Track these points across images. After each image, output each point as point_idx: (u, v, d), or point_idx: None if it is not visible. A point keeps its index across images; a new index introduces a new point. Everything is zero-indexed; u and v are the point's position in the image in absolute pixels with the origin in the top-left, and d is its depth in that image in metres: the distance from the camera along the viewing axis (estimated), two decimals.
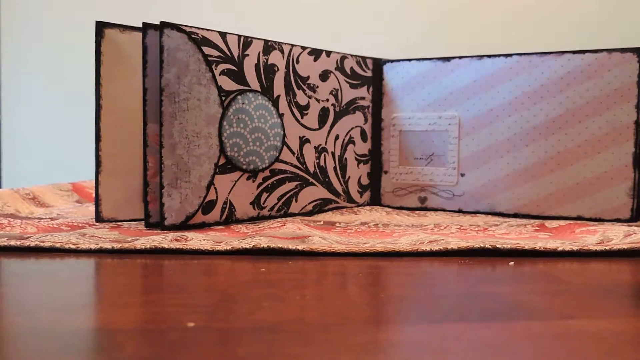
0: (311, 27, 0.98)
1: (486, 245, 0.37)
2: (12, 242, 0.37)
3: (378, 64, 0.60)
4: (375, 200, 0.60)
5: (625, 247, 0.37)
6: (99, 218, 0.47)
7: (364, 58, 0.59)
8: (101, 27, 0.47)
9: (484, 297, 0.27)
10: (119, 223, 0.47)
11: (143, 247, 0.37)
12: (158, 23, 0.43)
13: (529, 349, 0.20)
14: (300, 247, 0.37)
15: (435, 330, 0.22)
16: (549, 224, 0.48)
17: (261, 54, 0.49)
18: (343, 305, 0.26)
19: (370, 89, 0.59)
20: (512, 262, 0.35)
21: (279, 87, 0.50)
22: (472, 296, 0.27)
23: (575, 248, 0.37)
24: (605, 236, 0.40)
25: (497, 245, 0.37)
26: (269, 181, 0.50)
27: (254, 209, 0.49)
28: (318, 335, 0.21)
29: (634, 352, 0.20)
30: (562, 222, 0.49)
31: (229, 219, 0.47)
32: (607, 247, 0.37)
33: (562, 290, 0.28)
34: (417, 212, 0.57)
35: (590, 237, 0.41)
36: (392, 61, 0.60)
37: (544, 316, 0.24)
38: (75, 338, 0.21)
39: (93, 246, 0.37)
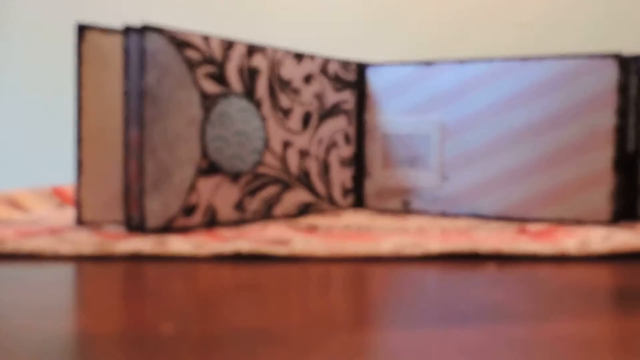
0: (296, 31, 0.98)
1: (468, 249, 0.37)
2: None
3: (362, 68, 0.60)
4: (359, 203, 0.60)
5: (605, 250, 0.37)
6: (79, 221, 0.46)
7: (347, 62, 0.59)
8: (82, 30, 0.46)
9: (465, 301, 0.27)
10: (100, 227, 0.46)
11: (123, 251, 0.37)
12: (139, 26, 0.43)
13: (508, 352, 0.20)
14: (282, 251, 0.37)
15: (416, 333, 0.22)
16: (530, 227, 0.49)
17: (244, 57, 0.49)
18: (323, 310, 0.26)
19: (354, 93, 0.59)
20: (494, 266, 0.35)
21: (261, 90, 0.50)
22: (453, 300, 0.27)
23: (555, 251, 0.37)
24: (585, 239, 0.41)
25: (478, 249, 0.37)
26: (252, 184, 0.50)
27: (237, 212, 0.49)
28: (296, 340, 0.21)
29: (611, 354, 0.20)
30: (542, 225, 0.49)
31: (212, 222, 0.47)
32: (587, 251, 0.37)
33: (542, 293, 0.28)
34: (400, 215, 0.57)
35: (570, 241, 0.41)
36: (375, 65, 0.60)
37: (523, 319, 0.24)
38: (50, 343, 0.21)
39: (72, 251, 0.36)
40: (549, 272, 0.33)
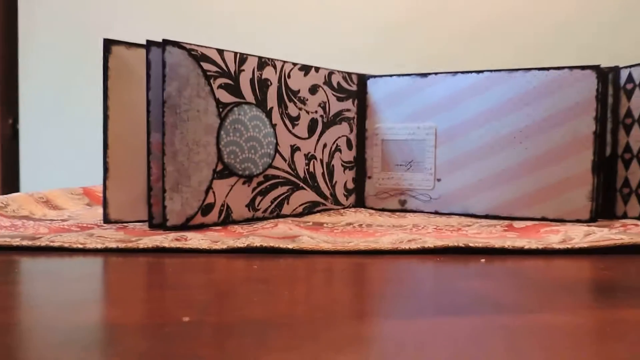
0: (303, 45, 0.98)
1: (460, 244, 0.36)
2: (25, 242, 0.37)
3: (362, 79, 0.59)
4: (360, 203, 0.60)
5: (585, 245, 0.36)
6: (106, 220, 0.46)
7: (349, 73, 0.58)
8: (108, 44, 0.46)
9: (457, 292, 0.26)
10: (125, 224, 0.46)
11: (146, 246, 0.36)
12: (161, 41, 0.43)
13: (500, 342, 0.19)
14: (290, 246, 0.37)
15: (412, 323, 0.22)
16: (517, 224, 0.48)
17: (256, 69, 0.48)
18: (328, 300, 0.25)
19: (355, 102, 0.59)
20: (483, 260, 0.34)
21: (272, 99, 0.50)
22: (447, 291, 0.27)
23: (540, 246, 0.36)
24: (567, 235, 0.40)
25: (470, 244, 0.36)
26: (263, 186, 0.49)
27: (249, 211, 0.48)
28: (303, 328, 0.21)
29: (593, 344, 0.19)
30: (528, 223, 0.48)
31: (226, 220, 0.46)
32: (568, 246, 0.36)
33: (527, 285, 0.28)
34: (398, 213, 0.57)
35: (554, 237, 0.40)
36: (375, 76, 0.59)
37: (511, 310, 0.23)
38: (78, 332, 0.20)
39: (99, 246, 0.36)
40: (534, 266, 0.33)
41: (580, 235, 0.40)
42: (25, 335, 0.20)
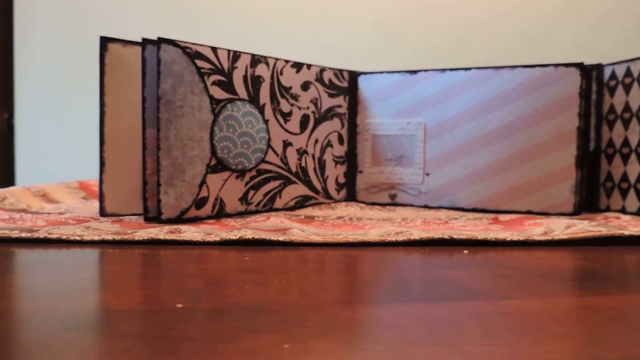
0: (295, 42, 0.99)
1: (444, 236, 0.38)
2: (23, 234, 0.38)
3: (353, 76, 0.60)
4: (351, 197, 0.61)
5: (565, 237, 0.38)
6: (102, 213, 0.47)
7: (341, 70, 0.59)
8: (105, 42, 0.47)
9: (439, 281, 0.28)
10: (121, 217, 0.47)
11: (141, 238, 0.38)
12: (156, 39, 0.43)
13: (472, 324, 0.21)
14: (281, 238, 0.38)
15: (395, 309, 0.23)
16: (502, 217, 0.49)
17: (249, 66, 0.49)
18: (315, 289, 0.27)
19: (347, 98, 0.60)
20: (466, 251, 0.36)
21: (264, 96, 0.51)
22: (429, 280, 0.28)
23: (521, 238, 0.38)
24: (549, 228, 0.41)
25: (454, 236, 0.38)
26: (256, 180, 0.51)
27: (242, 205, 0.49)
28: (290, 313, 0.22)
29: (557, 326, 0.21)
30: (513, 216, 0.50)
31: (220, 214, 0.48)
32: (549, 238, 0.38)
33: (506, 274, 0.29)
34: (388, 207, 0.58)
35: (536, 229, 0.42)
36: (366, 73, 0.60)
37: (488, 296, 0.25)
38: (78, 317, 0.22)
39: (96, 238, 0.37)
40: (515, 256, 0.34)
41: (562, 228, 0.41)
42: (29, 320, 0.21)
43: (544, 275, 0.29)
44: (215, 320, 0.21)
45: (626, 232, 0.38)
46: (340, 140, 0.60)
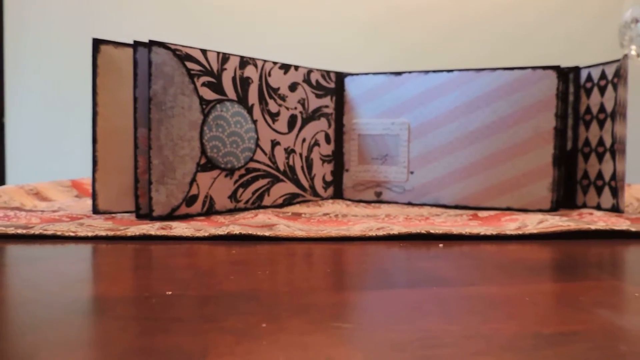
0: (283, 44, 1.01)
1: (422, 231, 0.40)
2: (19, 231, 0.40)
3: (340, 77, 0.63)
4: (338, 194, 0.64)
5: (535, 231, 0.40)
6: (95, 210, 0.49)
7: (328, 72, 0.62)
8: (97, 43, 0.49)
9: (412, 271, 0.30)
10: (113, 215, 0.49)
11: (133, 234, 0.40)
12: (147, 41, 0.46)
13: (433, 307, 0.23)
14: (267, 234, 0.40)
15: (366, 294, 0.25)
16: (481, 213, 0.52)
17: (237, 68, 0.52)
18: (296, 278, 0.29)
19: (334, 99, 0.63)
20: (442, 245, 0.38)
21: (253, 96, 0.53)
22: (403, 270, 0.31)
23: (494, 232, 0.40)
24: (523, 223, 0.44)
25: (431, 231, 0.40)
26: (244, 178, 0.53)
27: (231, 202, 0.52)
28: (270, 299, 0.25)
29: (509, 308, 0.23)
30: (492, 212, 0.52)
31: (210, 211, 0.50)
32: (520, 232, 0.40)
33: (475, 265, 0.32)
34: (373, 204, 0.60)
35: (512, 224, 0.44)
36: (352, 74, 0.63)
37: (454, 284, 0.27)
38: (77, 303, 0.24)
39: (90, 234, 0.40)
40: (488, 249, 0.37)
41: (534, 223, 0.44)
42: (32, 306, 0.24)
43: (509, 266, 0.32)
44: (202, 305, 0.24)
45: (592, 227, 0.40)
46: (328, 139, 0.62)
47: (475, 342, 0.19)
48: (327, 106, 0.62)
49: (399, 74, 0.60)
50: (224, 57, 0.51)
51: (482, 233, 0.40)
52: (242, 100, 0.52)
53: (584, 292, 0.26)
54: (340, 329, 0.21)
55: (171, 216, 0.47)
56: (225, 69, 0.51)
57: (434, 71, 0.58)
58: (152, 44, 0.46)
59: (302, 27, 1.01)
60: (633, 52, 0.73)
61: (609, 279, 0.29)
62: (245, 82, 0.52)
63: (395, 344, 0.19)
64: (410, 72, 0.60)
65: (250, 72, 0.53)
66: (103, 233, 0.40)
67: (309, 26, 1.01)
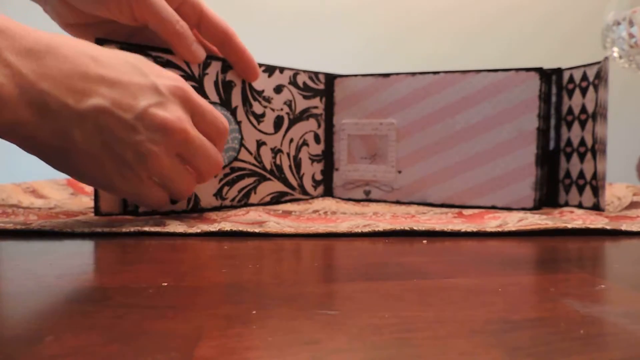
0: (271, 46, 1.03)
1: (406, 228, 0.42)
2: (18, 227, 0.41)
3: (329, 78, 0.65)
4: (328, 193, 0.66)
5: (514, 229, 0.43)
6: (97, 212, 0.50)
7: (316, 73, 0.64)
8: (100, 43, 0.50)
9: (395, 265, 0.32)
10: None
11: (128, 230, 0.42)
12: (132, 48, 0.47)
13: (412, 296, 0.25)
14: (257, 230, 0.42)
15: (351, 286, 0.27)
16: (465, 212, 0.54)
17: (219, 72, 0.53)
18: (285, 271, 0.31)
19: (323, 99, 0.64)
20: (425, 241, 0.40)
21: (236, 99, 0.55)
22: (386, 264, 0.33)
23: (475, 229, 0.42)
24: (504, 221, 0.46)
25: (414, 227, 0.42)
26: (230, 177, 0.54)
27: (217, 200, 0.53)
28: (260, 289, 0.26)
29: (482, 297, 0.25)
30: (476, 211, 0.55)
31: (195, 209, 0.51)
32: (500, 229, 0.43)
33: (455, 260, 0.34)
34: (362, 202, 0.63)
35: (493, 222, 0.47)
36: (341, 76, 0.65)
37: (431, 276, 0.29)
38: (77, 293, 0.26)
39: (86, 230, 0.41)
40: (469, 245, 0.39)
41: (515, 221, 0.46)
42: (36, 296, 0.25)
43: (487, 260, 0.34)
44: (196, 295, 0.26)
45: (569, 225, 0.42)
46: (317, 139, 0.64)
47: (448, 326, 0.21)
48: (316, 107, 0.64)
49: (386, 75, 0.62)
50: (205, 63, 0.51)
51: (463, 230, 0.42)
52: (225, 102, 0.53)
53: (554, 284, 0.28)
54: (325, 315, 0.22)
55: (156, 212, 0.48)
56: (207, 73, 0.52)
57: (421, 73, 0.60)
58: (136, 50, 0.47)
59: (298, 33, 1.03)
60: (615, 54, 0.76)
61: (579, 272, 0.31)
62: (228, 85, 0.54)
63: (375, 328, 0.21)
64: (397, 74, 0.62)
65: (232, 76, 0.54)
66: (99, 229, 0.41)
67: (304, 32, 1.03)
